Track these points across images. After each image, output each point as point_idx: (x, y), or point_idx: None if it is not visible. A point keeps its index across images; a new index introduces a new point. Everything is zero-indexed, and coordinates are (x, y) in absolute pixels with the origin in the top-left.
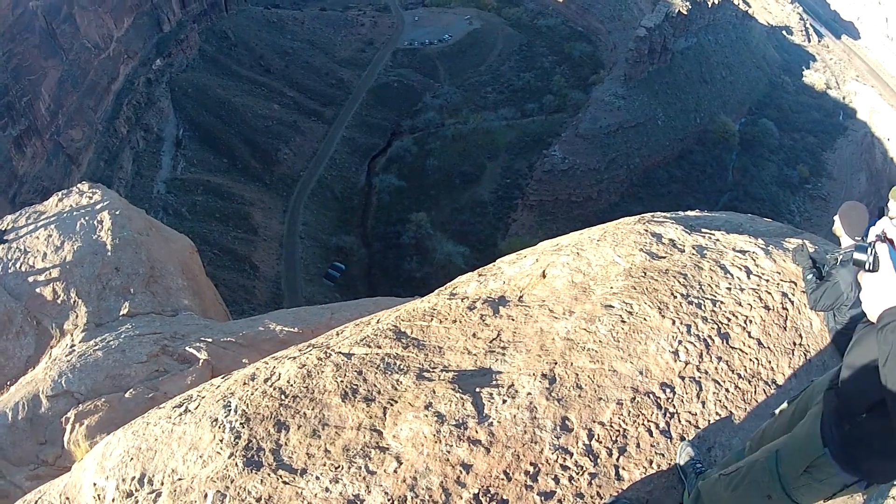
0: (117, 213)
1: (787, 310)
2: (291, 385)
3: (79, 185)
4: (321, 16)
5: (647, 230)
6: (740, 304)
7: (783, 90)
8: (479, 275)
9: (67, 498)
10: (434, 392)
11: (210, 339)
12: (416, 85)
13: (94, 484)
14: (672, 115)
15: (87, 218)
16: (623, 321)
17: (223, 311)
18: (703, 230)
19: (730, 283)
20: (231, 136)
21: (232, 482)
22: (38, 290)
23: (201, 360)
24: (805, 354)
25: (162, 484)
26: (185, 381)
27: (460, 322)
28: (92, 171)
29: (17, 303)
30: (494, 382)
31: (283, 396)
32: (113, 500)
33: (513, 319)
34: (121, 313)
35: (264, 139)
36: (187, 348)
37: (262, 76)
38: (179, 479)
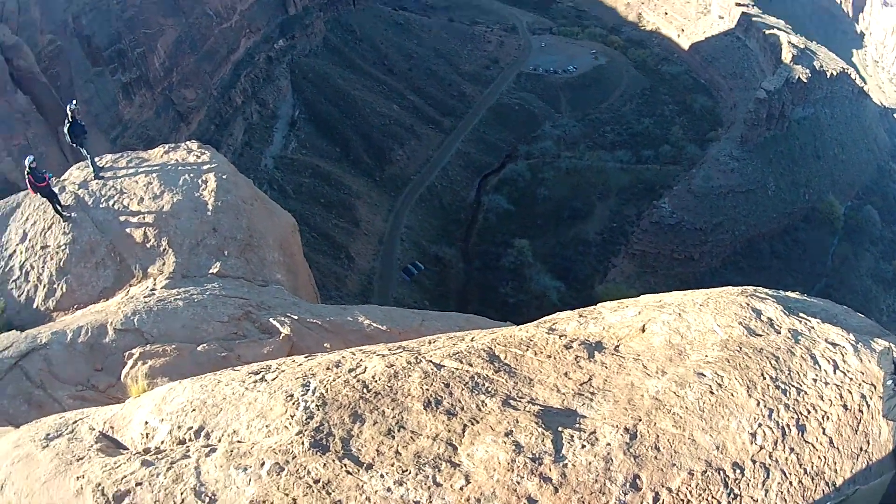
0: (224, 177)
1: (863, 413)
2: (376, 381)
3: (188, 143)
4: (449, 26)
5: (748, 304)
6: (822, 399)
7: (890, 178)
8: (580, 315)
9: (112, 427)
10: (517, 421)
11: (296, 317)
12: (536, 111)
13: (146, 422)
14: (783, 187)
15: (191, 175)
16: (712, 392)
17: (314, 294)
18: (801, 315)
19: (816, 375)
20: (347, 127)
21: (293, 458)
22: (128, 230)
23: (282, 334)
24: (867, 461)
25: (219, 441)
26: (261, 350)
27: (555, 359)
28: (201, 133)
29: (103, 236)
30: (577, 425)
31: (365, 390)
32: (162, 442)
33: (606, 367)
34: (210, 271)
35: (380, 136)
36: (271, 320)
37: (385, 75)
38: (239, 442)
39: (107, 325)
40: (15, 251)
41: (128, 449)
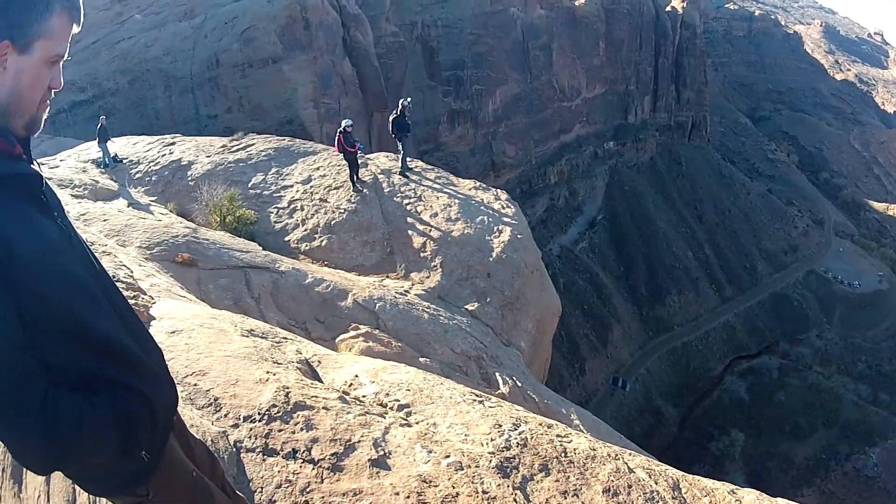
0: (519, 236)
1: None
2: (576, 453)
3: (498, 191)
4: (766, 197)
5: None
6: None
7: None
8: (760, 495)
9: (319, 361)
10: None
11: (519, 384)
12: (810, 315)
13: (357, 376)
14: None
15: (490, 219)
16: None
17: (543, 377)
18: None
19: None
20: (639, 251)
21: (476, 466)
22: (410, 232)
23: (499, 391)
24: None
25: (417, 423)
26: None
27: None
28: (507, 190)
29: (385, 224)
30: None
31: (563, 454)
32: (364, 395)
33: None
34: (466, 306)
35: (664, 275)
36: (497, 374)
37: (693, 219)
38: (434, 432)
39: (349, 293)
40: (292, 186)
41: (324, 385)
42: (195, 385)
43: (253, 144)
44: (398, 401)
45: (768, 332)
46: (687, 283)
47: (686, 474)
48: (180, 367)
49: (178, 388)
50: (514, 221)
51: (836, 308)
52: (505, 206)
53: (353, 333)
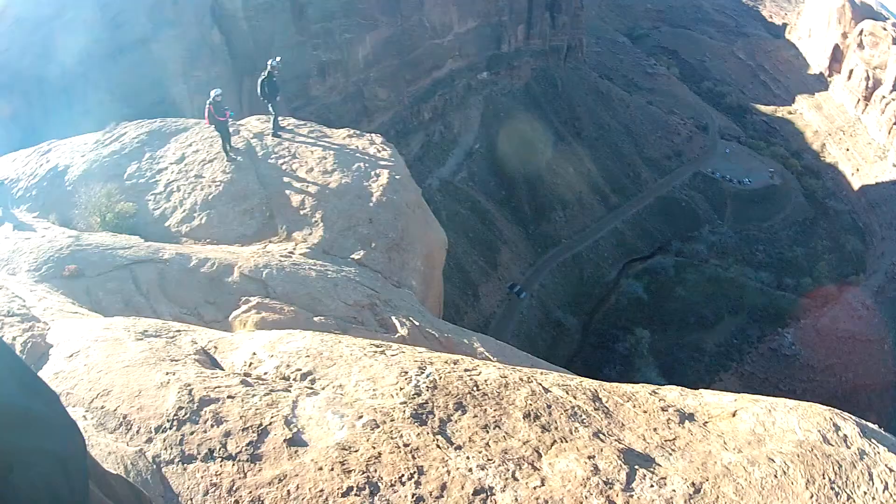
0: (397, 177)
1: None
2: (487, 384)
3: (372, 135)
4: (646, 108)
5: (831, 419)
6: None
7: None
8: (683, 390)
9: (215, 347)
10: (601, 451)
11: (417, 323)
12: (700, 213)
13: (254, 353)
14: None
15: (366, 164)
16: (775, 476)
17: (439, 311)
18: (873, 440)
19: (867, 489)
20: (519, 173)
21: (391, 420)
22: (287, 192)
23: (399, 334)
24: None
25: (323, 389)
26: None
27: (649, 415)
28: (380, 133)
29: (261, 189)
30: (652, 469)
31: (475, 388)
32: (265, 373)
33: (692, 434)
34: (352, 256)
35: (546, 193)
36: (393, 318)
37: (572, 136)
38: (342, 394)
39: (234, 266)
40: (167, 168)
41: (225, 371)
42: (102, 407)
43: (125, 133)
44: (300, 370)
45: (659, 234)
46: (570, 198)
47: (603, 383)
48: (85, 391)
49: (88, 415)
50: (390, 163)
51: (728, 205)
52: (380, 149)
53: (244, 308)
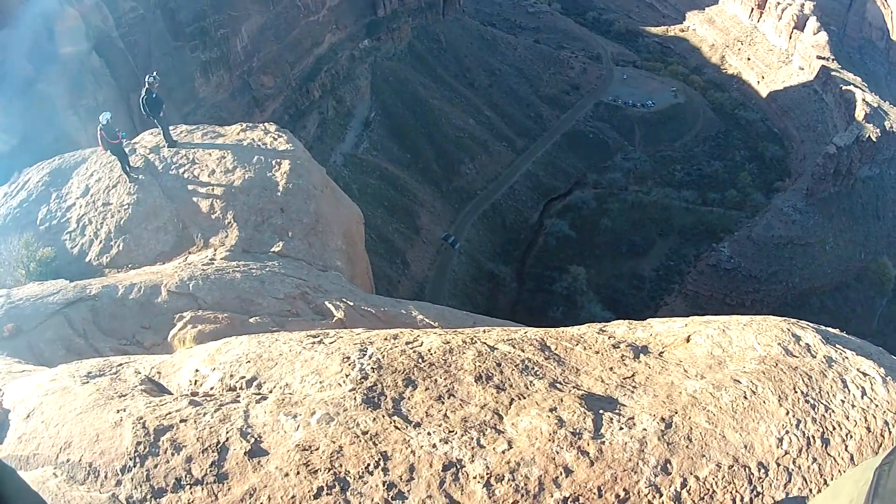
0: (298, 161)
1: (884, 437)
2: (431, 354)
3: (266, 125)
4: (534, 47)
5: (789, 329)
6: (847, 418)
7: None
8: (630, 323)
9: (159, 372)
10: (562, 401)
11: (351, 303)
12: (610, 142)
13: (197, 370)
14: (840, 244)
15: (265, 155)
16: (745, 397)
17: (370, 286)
18: (838, 345)
19: (844, 397)
20: (420, 134)
21: (344, 410)
22: (195, 199)
23: (336, 318)
24: None
25: (270, 392)
26: (313, 329)
27: (602, 354)
28: (275, 120)
29: (169, 202)
30: (617, 411)
31: (420, 360)
32: (211, 388)
33: (649, 367)
34: (272, 249)
35: (451, 148)
36: (326, 303)
37: (465, 88)
38: (290, 393)
39: (161, 286)
40: (74, 204)
41: (173, 395)
42: (68, 460)
43: (29, 179)
44: (244, 377)
45: (572, 169)
46: (476, 149)
47: (549, 330)
48: (48, 449)
49: (58, 471)
50: (289, 148)
51: (636, 130)
52: (276, 136)
53: (179, 325)
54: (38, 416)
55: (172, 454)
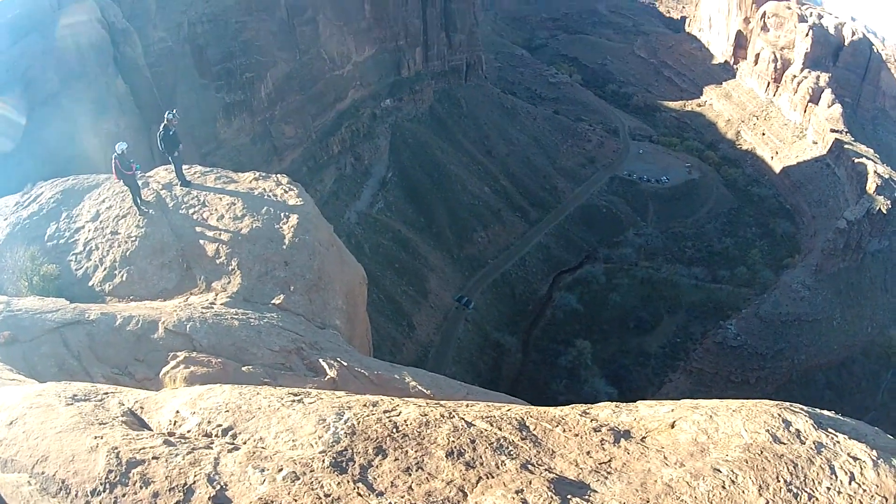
0: (307, 216)
1: None
2: (407, 425)
3: (278, 176)
4: (553, 119)
5: (780, 415)
6: None
7: None
8: (616, 406)
9: (142, 407)
10: (530, 483)
11: (345, 363)
12: (623, 217)
13: (178, 412)
14: (848, 319)
15: (275, 207)
16: (723, 487)
17: (368, 348)
18: (830, 430)
19: (831, 484)
20: (436, 198)
21: (311, 471)
22: (201, 241)
23: (328, 377)
24: None
25: (244, 443)
26: (304, 385)
27: (581, 438)
28: (292, 171)
29: (176, 241)
30: (587, 497)
31: (394, 430)
32: (188, 431)
33: (628, 453)
34: (273, 301)
35: (466, 215)
36: (321, 360)
37: (483, 155)
38: (262, 447)
39: (159, 322)
40: (83, 227)
41: (152, 430)
42: (43, 473)
43: (42, 193)
44: (220, 425)
45: (584, 243)
46: (490, 217)
47: (531, 409)
48: (26, 458)
49: (32, 480)
50: (298, 203)
51: (649, 205)
52: (287, 189)
53: (173, 364)
54: (21, 425)
55: (141, 487)
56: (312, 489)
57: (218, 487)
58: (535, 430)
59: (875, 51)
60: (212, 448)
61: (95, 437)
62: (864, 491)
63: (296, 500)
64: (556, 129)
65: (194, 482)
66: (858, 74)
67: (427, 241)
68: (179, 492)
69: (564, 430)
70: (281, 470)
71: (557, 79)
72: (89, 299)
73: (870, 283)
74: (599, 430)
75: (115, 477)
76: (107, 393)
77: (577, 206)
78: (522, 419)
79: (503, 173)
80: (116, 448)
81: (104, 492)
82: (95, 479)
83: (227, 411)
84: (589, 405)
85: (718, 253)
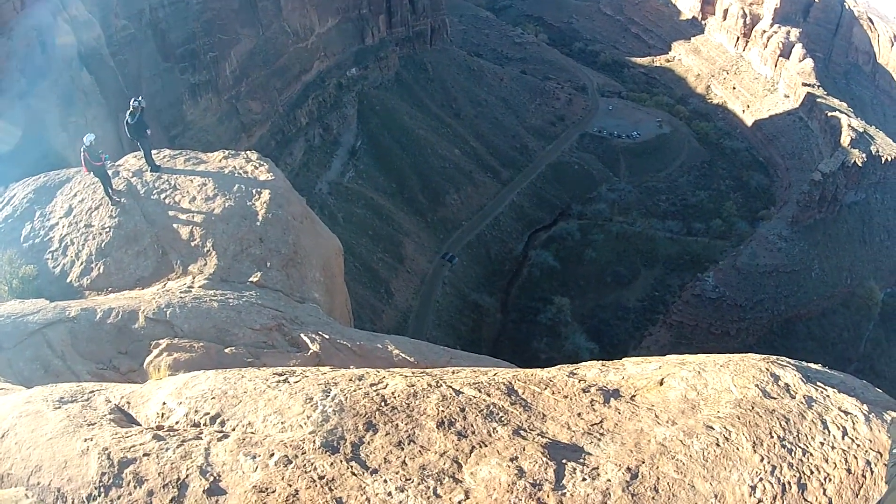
0: (278, 191)
1: (865, 478)
2: (395, 397)
3: (248, 153)
4: (521, 78)
5: (768, 369)
6: (826, 461)
7: None
8: (603, 365)
9: (128, 402)
10: (524, 449)
11: (327, 336)
12: (595, 173)
13: (164, 403)
14: (826, 270)
15: (246, 184)
16: (717, 444)
17: (348, 319)
18: (819, 383)
19: (824, 439)
20: (406, 163)
21: (303, 454)
22: (175, 225)
23: (311, 351)
24: None
25: (233, 430)
26: (288, 362)
27: (571, 399)
28: (261, 146)
29: (149, 227)
30: (581, 460)
31: (383, 403)
32: (176, 422)
33: (619, 412)
34: (250, 279)
35: (437, 178)
36: (302, 335)
37: (451, 118)
38: (252, 433)
39: (139, 311)
40: (57, 223)
41: (140, 425)
42: (38, 483)
43: (14, 195)
44: (208, 413)
45: (557, 200)
46: (462, 179)
47: (518, 372)
48: (20, 470)
49: (29, 493)
50: (269, 178)
51: (621, 161)
52: (257, 165)
53: (155, 353)
54: (12, 437)
55: (135, 487)
56: (306, 472)
57: (211, 479)
58: (523, 394)
59: (847, 7)
60: (201, 438)
61: (85, 440)
62: (858, 446)
63: (290, 485)
64: (524, 89)
65: (187, 476)
66: (829, 30)
67: (400, 206)
68: (174, 487)
69: (553, 393)
70: (272, 455)
71: (523, 39)
72: (69, 296)
73: (847, 235)
74: (588, 391)
75: (109, 479)
76: (92, 391)
77: (549, 164)
78: (510, 383)
79: (473, 135)
80: (107, 449)
81: (100, 496)
82: (90, 484)
83: (214, 398)
84: (576, 365)
85: (693, 206)
